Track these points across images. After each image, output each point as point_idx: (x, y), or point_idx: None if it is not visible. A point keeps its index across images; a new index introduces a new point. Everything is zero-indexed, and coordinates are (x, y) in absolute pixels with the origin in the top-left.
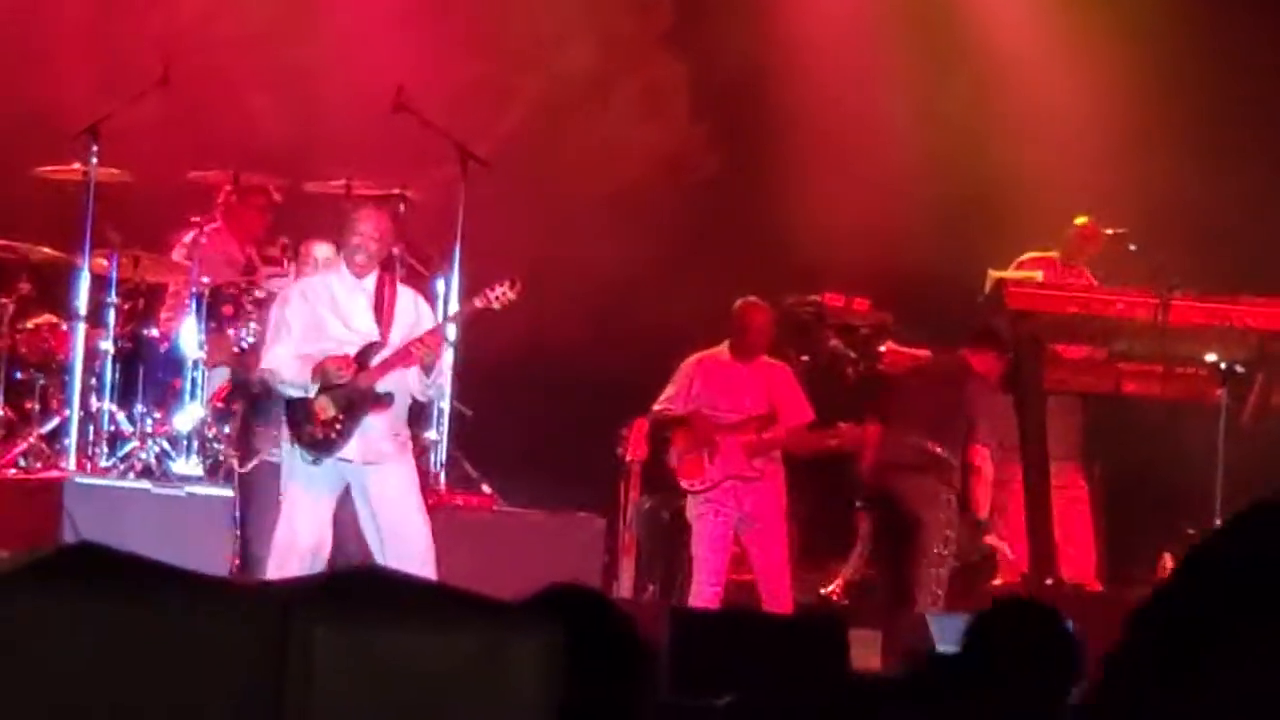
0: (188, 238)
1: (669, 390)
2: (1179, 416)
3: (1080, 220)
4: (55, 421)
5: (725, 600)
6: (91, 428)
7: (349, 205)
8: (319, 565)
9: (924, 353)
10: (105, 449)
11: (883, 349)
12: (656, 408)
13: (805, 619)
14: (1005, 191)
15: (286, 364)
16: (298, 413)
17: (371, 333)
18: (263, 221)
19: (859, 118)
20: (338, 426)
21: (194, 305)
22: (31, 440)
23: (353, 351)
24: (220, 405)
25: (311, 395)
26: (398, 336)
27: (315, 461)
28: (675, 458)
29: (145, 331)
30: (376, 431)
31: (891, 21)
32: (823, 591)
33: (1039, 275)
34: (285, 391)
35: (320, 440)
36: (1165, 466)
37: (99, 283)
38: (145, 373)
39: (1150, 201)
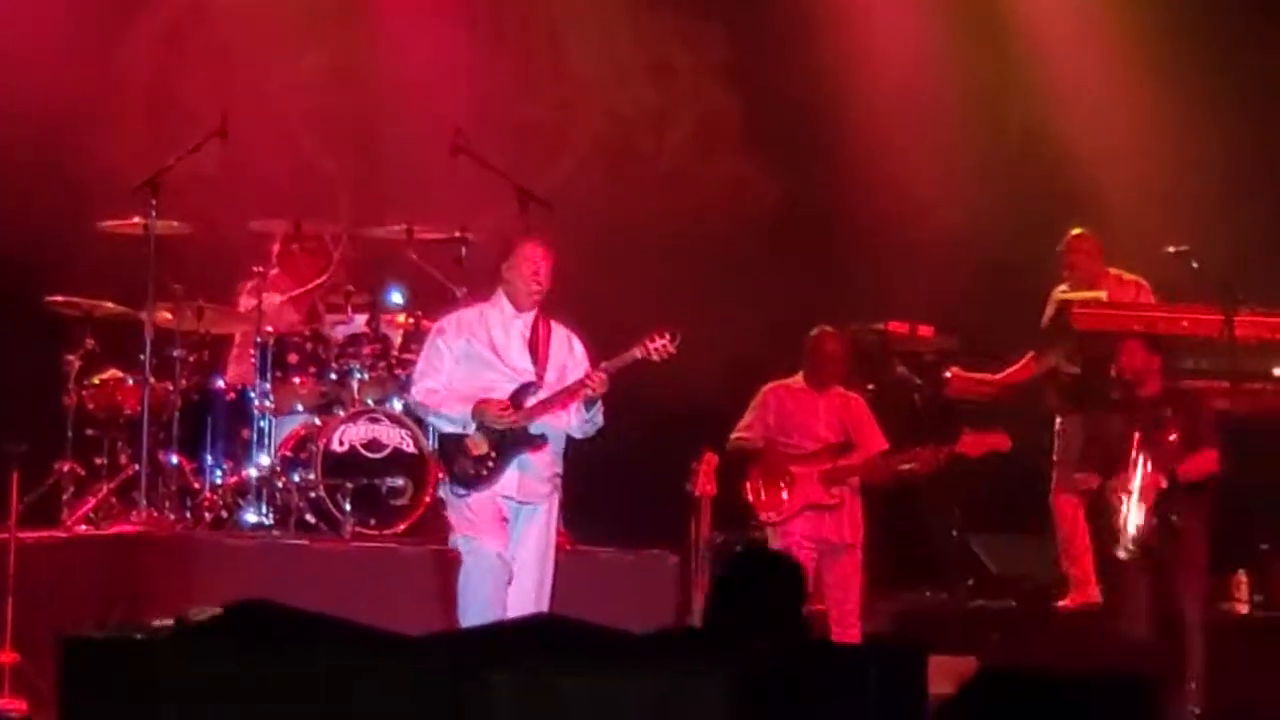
0: (251, 287)
1: (746, 419)
2: (1248, 431)
3: (1075, 231)
4: (125, 476)
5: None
6: (161, 481)
7: (514, 237)
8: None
9: (989, 377)
10: (175, 501)
11: (948, 375)
12: (735, 436)
13: (884, 648)
14: (1070, 213)
15: (439, 398)
16: (450, 447)
17: (527, 371)
18: (326, 269)
19: (917, 143)
20: (489, 463)
21: (259, 355)
22: (101, 495)
23: (508, 388)
24: (289, 454)
25: (468, 431)
26: (552, 376)
27: (464, 496)
28: (751, 492)
29: (212, 383)
30: (534, 471)
31: (950, 45)
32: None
33: (1103, 295)
34: (438, 425)
35: (471, 476)
36: (1235, 482)
37: (164, 336)
38: (213, 424)
39: (1212, 216)
